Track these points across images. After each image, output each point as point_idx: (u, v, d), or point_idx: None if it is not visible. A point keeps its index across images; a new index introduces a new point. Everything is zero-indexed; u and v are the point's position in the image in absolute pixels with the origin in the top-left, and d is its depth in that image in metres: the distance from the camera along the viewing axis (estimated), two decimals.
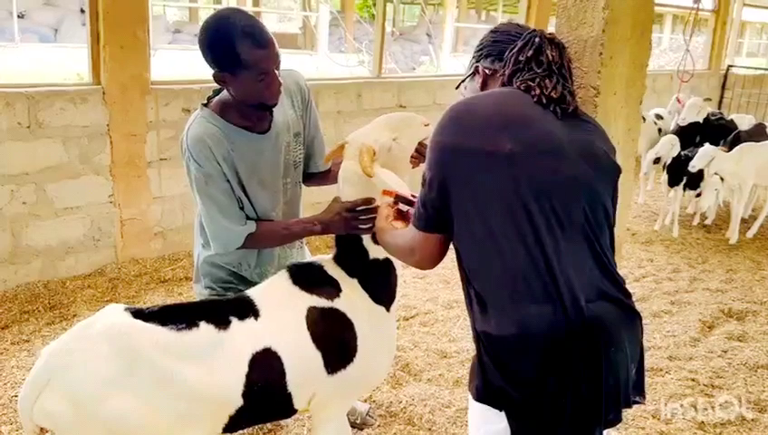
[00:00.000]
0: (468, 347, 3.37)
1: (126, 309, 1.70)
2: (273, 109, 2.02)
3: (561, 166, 1.38)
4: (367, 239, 1.93)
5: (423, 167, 1.51)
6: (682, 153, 5.44)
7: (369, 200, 1.87)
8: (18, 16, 11.53)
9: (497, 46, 1.59)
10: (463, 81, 1.69)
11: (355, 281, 1.94)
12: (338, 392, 1.91)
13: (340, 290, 1.91)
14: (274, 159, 2.07)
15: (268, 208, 2.10)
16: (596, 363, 1.34)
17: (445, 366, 3.22)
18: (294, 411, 1.88)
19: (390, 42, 14.57)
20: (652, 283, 4.46)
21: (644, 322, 3.57)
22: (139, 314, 1.68)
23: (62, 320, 3.58)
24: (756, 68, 11.54)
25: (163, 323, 1.67)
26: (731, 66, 9.80)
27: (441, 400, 2.92)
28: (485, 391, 1.43)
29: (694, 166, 5.11)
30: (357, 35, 14.73)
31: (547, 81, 1.46)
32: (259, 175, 2.04)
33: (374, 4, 8.07)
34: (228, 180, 1.96)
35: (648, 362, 3.32)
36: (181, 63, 9.30)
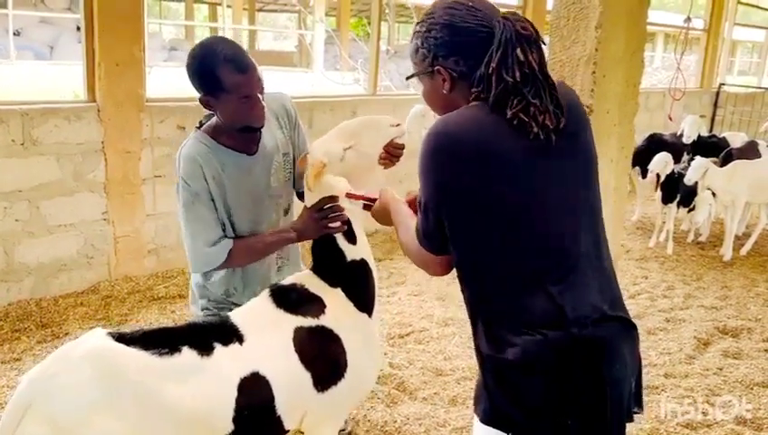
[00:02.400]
0: (464, 365, 3.35)
1: (108, 334, 1.68)
2: (262, 131, 2.07)
3: (561, 198, 1.36)
4: (341, 240, 1.94)
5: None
6: (675, 170, 5.47)
7: (332, 198, 1.91)
8: (14, 34, 11.56)
9: (459, 43, 1.38)
10: (416, 75, 1.49)
11: (338, 290, 1.93)
12: (330, 409, 1.90)
13: (324, 305, 1.90)
14: (264, 179, 2.12)
15: (256, 225, 2.13)
16: (599, 382, 1.34)
17: (440, 384, 3.20)
18: (286, 432, 1.86)
19: (385, 60, 14.65)
20: (647, 300, 4.45)
21: (639, 339, 3.55)
22: (121, 338, 1.67)
23: (53, 338, 3.55)
24: (747, 86, 11.66)
25: (146, 348, 1.65)
26: (722, 84, 9.89)
27: (437, 419, 2.89)
28: (492, 414, 1.41)
29: (690, 179, 5.14)
30: (352, 53, 14.80)
31: (539, 104, 1.31)
32: (249, 195, 2.08)
33: (369, 23, 8.13)
34: (213, 200, 2.01)
35: (643, 380, 3.30)
36: (177, 81, 9.32)
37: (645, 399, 3.11)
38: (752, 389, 3.26)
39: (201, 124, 2.10)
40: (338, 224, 1.91)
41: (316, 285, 1.93)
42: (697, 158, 5.33)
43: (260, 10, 21.53)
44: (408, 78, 1.53)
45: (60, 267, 4.06)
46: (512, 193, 1.32)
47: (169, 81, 9.39)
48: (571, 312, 1.33)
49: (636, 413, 1.49)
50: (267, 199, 2.14)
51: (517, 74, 1.31)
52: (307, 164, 1.92)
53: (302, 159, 2.01)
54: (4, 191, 3.78)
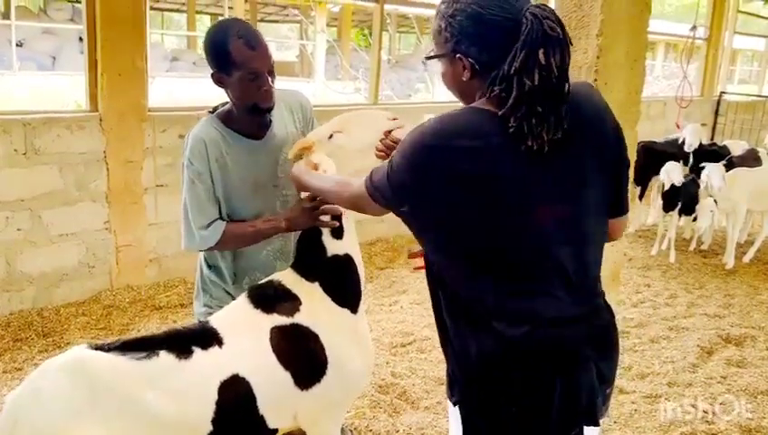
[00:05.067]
0: None
1: (87, 346, 1.69)
2: (273, 120, 2.12)
3: (545, 210, 1.35)
4: (326, 235, 1.95)
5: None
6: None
7: None
8: (17, 45, 11.62)
9: (484, 35, 1.34)
10: (435, 57, 1.44)
11: (316, 285, 1.93)
12: (321, 406, 1.90)
13: (299, 302, 1.90)
14: (270, 167, 2.15)
15: (257, 215, 2.14)
16: (549, 385, 1.36)
17: (443, 394, 3.18)
18: (273, 431, 1.87)
19: (386, 69, 14.71)
20: (650, 308, 4.43)
21: (642, 348, 3.58)
22: (99, 347, 1.68)
23: (55, 348, 3.54)
24: (748, 94, 11.67)
25: (123, 354, 1.66)
26: (723, 93, 9.91)
27: (439, 428, 2.88)
28: (453, 391, 1.47)
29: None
30: (353, 63, 14.88)
31: (542, 113, 1.27)
32: (252, 180, 2.11)
33: (370, 33, 8.17)
34: (214, 182, 2.05)
35: (647, 389, 3.30)
36: (179, 91, 9.37)
37: (647, 407, 3.11)
38: (756, 397, 3.25)
39: (214, 110, 2.15)
40: (328, 218, 1.93)
41: (292, 282, 1.94)
42: (708, 164, 5.32)
43: (262, 20, 21.64)
44: (427, 58, 1.48)
45: (61, 277, 4.05)
46: (490, 205, 1.31)
47: (172, 90, 9.46)
48: (536, 314, 1.35)
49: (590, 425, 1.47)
50: (271, 189, 2.16)
51: (536, 78, 1.26)
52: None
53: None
54: (6, 201, 3.78)
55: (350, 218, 1.98)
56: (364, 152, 1.97)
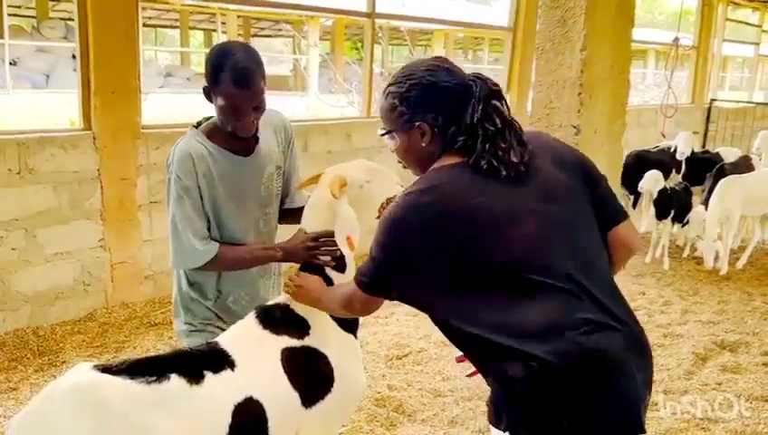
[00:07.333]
0: (463, 386, 3.34)
1: (93, 367, 1.64)
2: (259, 137, 2.13)
3: (534, 234, 1.43)
4: (330, 269, 1.99)
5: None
6: (667, 186, 5.51)
7: (331, 233, 1.96)
8: (10, 63, 11.65)
9: (440, 101, 1.51)
10: (392, 131, 1.58)
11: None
12: (322, 421, 1.93)
13: (309, 327, 1.93)
14: (255, 183, 2.16)
15: (242, 232, 2.15)
16: (598, 393, 1.38)
17: (439, 406, 3.19)
18: None
19: (379, 82, 14.76)
20: (644, 316, 4.45)
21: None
22: (106, 369, 1.63)
23: (50, 367, 3.53)
24: (738, 101, 11.76)
25: (132, 378, 1.62)
26: (714, 100, 9.99)
27: None
28: (498, 416, 1.47)
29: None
30: (346, 76, 14.92)
31: (505, 146, 1.45)
32: (238, 196, 2.12)
33: (362, 47, 8.21)
34: (202, 198, 2.06)
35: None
36: (172, 107, 9.39)
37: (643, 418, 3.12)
38: (751, 403, 3.26)
39: (199, 124, 2.15)
40: (327, 258, 1.96)
41: (301, 307, 1.96)
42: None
43: (255, 35, 21.73)
44: (382, 134, 1.62)
45: (57, 295, 4.05)
46: (480, 241, 1.42)
47: (165, 107, 9.47)
48: (565, 324, 1.38)
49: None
50: (256, 207, 2.18)
51: (498, 122, 1.46)
52: (325, 179, 1.97)
53: (314, 177, 2.05)
54: (0, 220, 3.78)
55: (350, 254, 2.00)
56: (373, 209, 1.99)
